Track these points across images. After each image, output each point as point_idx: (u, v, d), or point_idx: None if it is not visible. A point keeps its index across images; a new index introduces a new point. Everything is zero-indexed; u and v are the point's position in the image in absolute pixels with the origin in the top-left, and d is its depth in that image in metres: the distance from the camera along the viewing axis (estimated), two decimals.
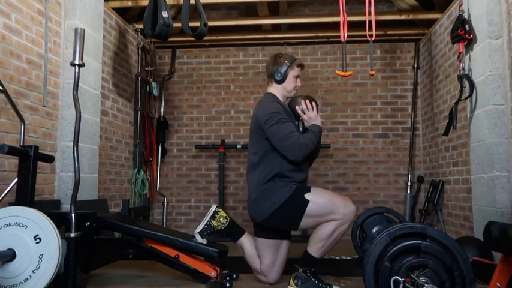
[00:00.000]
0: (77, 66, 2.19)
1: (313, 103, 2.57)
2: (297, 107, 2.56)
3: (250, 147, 2.60)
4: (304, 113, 2.55)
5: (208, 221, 2.62)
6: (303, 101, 2.55)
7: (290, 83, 2.59)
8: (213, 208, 2.65)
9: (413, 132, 4.75)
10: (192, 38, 3.58)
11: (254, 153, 2.54)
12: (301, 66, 2.64)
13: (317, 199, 2.39)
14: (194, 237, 2.61)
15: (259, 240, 2.59)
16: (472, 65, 3.22)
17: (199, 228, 2.61)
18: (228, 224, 2.63)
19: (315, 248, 2.40)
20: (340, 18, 3.42)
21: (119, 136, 4.13)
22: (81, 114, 2.22)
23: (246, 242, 2.66)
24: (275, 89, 2.62)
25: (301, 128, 2.58)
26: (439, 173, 4.18)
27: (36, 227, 1.99)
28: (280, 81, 2.58)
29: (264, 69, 2.82)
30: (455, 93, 3.55)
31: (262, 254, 2.58)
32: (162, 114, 4.91)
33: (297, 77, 2.61)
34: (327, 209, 2.37)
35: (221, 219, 2.62)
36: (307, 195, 2.40)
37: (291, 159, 2.43)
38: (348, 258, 3.37)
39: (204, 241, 2.60)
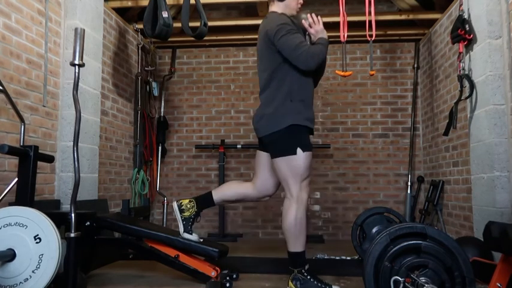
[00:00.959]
0: (77, 66, 2.20)
1: (319, 17, 2.54)
2: (303, 21, 2.52)
3: (259, 66, 2.57)
4: (311, 27, 2.52)
5: (181, 216, 2.64)
6: (309, 15, 2.52)
7: (292, 0, 2.57)
8: (175, 205, 2.67)
9: (413, 132, 4.75)
10: (192, 38, 3.59)
11: (264, 69, 2.50)
12: None
13: (300, 160, 2.38)
14: (183, 238, 2.62)
15: (260, 153, 2.61)
16: (472, 65, 3.22)
17: (181, 229, 2.64)
18: (196, 203, 2.66)
19: (291, 244, 2.40)
20: (340, 18, 3.42)
21: (119, 136, 4.13)
22: (81, 114, 2.22)
23: (219, 193, 2.69)
24: (278, 7, 2.58)
25: (308, 42, 2.54)
26: (439, 173, 4.18)
27: (36, 227, 1.99)
28: None
29: None
30: (455, 93, 3.55)
31: (259, 166, 2.60)
32: (162, 114, 4.91)
33: None
34: (292, 174, 2.38)
35: (188, 206, 2.65)
36: (299, 150, 2.38)
37: (303, 69, 2.40)
38: (348, 258, 3.37)
39: (194, 236, 2.62)
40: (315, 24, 2.51)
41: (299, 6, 2.62)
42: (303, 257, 2.41)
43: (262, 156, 2.61)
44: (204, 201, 2.71)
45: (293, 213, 2.37)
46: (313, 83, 2.58)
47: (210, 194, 2.71)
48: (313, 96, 2.59)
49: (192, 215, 2.64)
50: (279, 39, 2.38)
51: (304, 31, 2.55)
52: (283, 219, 2.43)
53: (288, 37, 2.37)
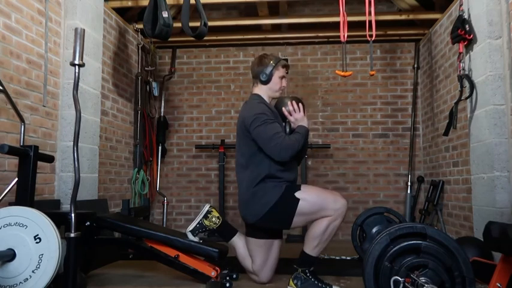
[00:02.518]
0: (77, 66, 2.19)
1: (300, 104, 2.56)
2: (283, 108, 2.55)
3: (237, 148, 2.61)
4: (291, 114, 2.54)
5: (201, 220, 2.63)
6: (289, 102, 2.54)
7: (275, 84, 2.59)
8: (206, 208, 2.66)
9: (413, 132, 4.75)
10: (192, 38, 3.58)
11: (241, 154, 2.54)
12: (286, 67, 2.63)
13: (307, 197, 2.40)
14: (186, 235, 2.62)
15: (250, 240, 2.60)
16: (472, 65, 3.22)
17: (191, 227, 2.63)
18: (220, 224, 2.65)
19: (310, 247, 2.40)
20: (340, 18, 3.42)
21: (119, 136, 4.13)
22: (81, 114, 2.22)
23: (239, 242, 2.67)
24: (260, 90, 2.62)
25: (288, 130, 2.57)
26: (439, 173, 4.18)
27: (36, 227, 1.99)
28: (266, 82, 2.58)
29: None
30: (455, 93, 3.55)
31: (253, 253, 2.59)
32: (162, 114, 4.90)
33: (282, 77, 2.61)
34: (318, 206, 2.37)
35: (213, 219, 2.63)
36: (297, 194, 2.40)
37: (277, 160, 2.43)
38: (348, 258, 3.37)
39: (196, 239, 2.61)
40: (295, 112, 2.53)
41: (282, 90, 2.64)
42: (313, 261, 2.43)
43: (252, 243, 2.59)
44: (227, 231, 2.70)
45: (327, 221, 2.36)
46: (295, 162, 2.62)
47: (235, 232, 2.71)
48: (297, 173, 2.64)
49: (209, 227, 2.63)
50: (254, 129, 2.42)
51: (284, 118, 2.57)
52: (315, 222, 2.41)
53: (264, 128, 2.40)
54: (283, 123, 2.58)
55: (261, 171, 2.46)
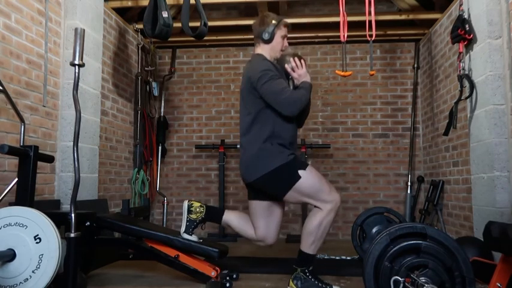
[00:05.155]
0: (77, 66, 2.20)
1: (302, 60, 2.57)
2: (286, 65, 2.55)
3: (242, 109, 2.58)
4: (294, 71, 2.54)
5: (187, 217, 2.64)
6: (292, 59, 2.54)
7: (278, 43, 2.59)
8: (186, 204, 2.67)
9: (413, 132, 4.75)
10: (192, 38, 3.58)
11: (247, 113, 2.51)
12: (287, 26, 2.63)
13: (309, 178, 2.40)
14: (183, 238, 2.62)
15: (253, 203, 2.59)
16: (472, 65, 3.22)
17: (182, 228, 2.64)
18: (206, 210, 2.65)
19: (307, 244, 2.40)
20: (340, 18, 3.42)
21: (119, 136, 4.13)
22: (81, 114, 2.22)
23: (230, 216, 2.68)
24: (263, 49, 2.60)
25: (291, 86, 2.57)
26: (439, 173, 4.18)
27: (36, 227, 1.99)
28: (268, 41, 2.57)
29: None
30: (455, 93, 3.55)
31: (257, 217, 2.58)
32: (162, 114, 4.91)
33: (284, 36, 2.62)
34: (313, 191, 2.39)
35: (197, 209, 2.64)
36: (301, 172, 2.40)
37: (286, 115, 2.43)
38: (348, 258, 3.37)
39: (194, 238, 2.62)
40: (298, 69, 2.54)
41: (284, 49, 2.64)
42: (311, 260, 2.43)
43: (254, 206, 2.59)
44: (214, 213, 2.71)
45: (320, 217, 2.37)
46: (297, 124, 2.63)
47: (222, 211, 2.72)
48: (297, 136, 2.64)
49: (197, 220, 2.63)
50: (261, 85, 2.41)
51: (287, 75, 2.57)
52: (307, 219, 2.43)
53: (270, 83, 2.40)
54: (287, 80, 2.58)
55: (267, 128, 2.45)
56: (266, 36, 2.56)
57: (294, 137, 2.57)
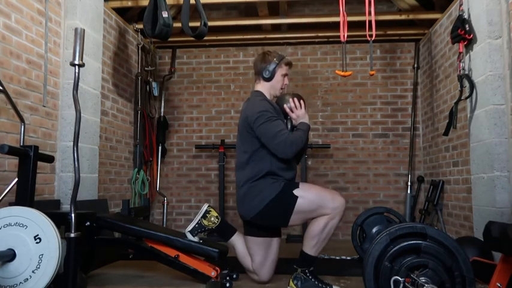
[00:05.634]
0: (77, 66, 2.20)
1: (301, 101, 2.58)
2: (285, 105, 2.56)
3: (239, 146, 2.60)
4: (293, 111, 2.55)
5: (200, 220, 2.63)
6: (291, 99, 2.55)
7: (278, 81, 2.61)
8: (205, 207, 2.66)
9: (413, 132, 4.75)
10: (192, 38, 3.58)
11: (243, 151, 2.54)
12: (289, 64, 2.65)
13: (306, 195, 2.40)
14: (185, 235, 2.62)
15: (249, 238, 2.59)
16: (472, 65, 3.22)
17: (190, 227, 2.63)
18: (219, 223, 2.64)
19: (309, 246, 2.40)
20: (340, 18, 3.42)
21: (119, 136, 4.13)
22: (81, 114, 2.22)
23: (238, 241, 2.67)
24: (263, 87, 2.62)
25: (289, 126, 2.59)
26: (439, 173, 4.18)
27: (36, 227, 1.99)
28: (268, 79, 2.59)
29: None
30: (455, 93, 3.55)
31: (252, 252, 2.58)
32: (162, 114, 4.91)
33: (285, 75, 2.63)
34: (316, 204, 2.38)
35: (212, 218, 2.63)
36: (296, 191, 2.41)
37: (281, 157, 2.43)
38: (348, 258, 3.37)
39: (196, 239, 2.61)
40: (297, 109, 2.54)
41: (284, 87, 2.65)
42: (312, 261, 2.43)
43: (251, 242, 2.59)
44: (225, 230, 2.70)
45: (326, 221, 2.37)
46: (295, 161, 2.63)
47: (234, 231, 2.71)
48: (296, 172, 2.64)
49: (207, 227, 2.63)
50: (258, 126, 2.42)
51: (285, 115, 2.58)
52: (312, 221, 2.42)
53: (268, 125, 2.41)
54: (285, 120, 2.59)
55: (263, 168, 2.46)
56: (267, 74, 2.57)
57: (292, 173, 2.57)
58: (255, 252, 2.57)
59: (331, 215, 2.37)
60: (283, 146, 2.38)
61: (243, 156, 2.54)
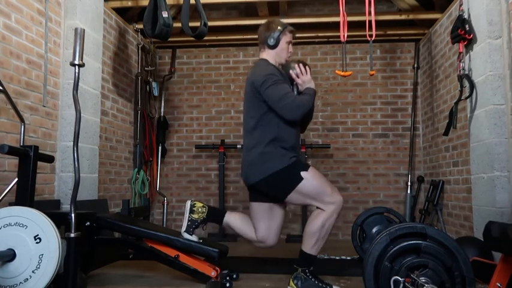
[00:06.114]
0: (77, 66, 2.20)
1: (307, 67, 2.58)
2: (290, 71, 2.57)
3: (246, 111, 2.61)
4: (298, 77, 2.56)
5: (189, 216, 2.64)
6: (296, 65, 2.56)
7: (283, 49, 2.61)
8: (188, 203, 2.68)
9: (413, 132, 4.75)
10: (192, 38, 3.59)
11: (251, 116, 2.54)
12: (292, 32, 2.66)
13: (311, 180, 2.41)
14: (183, 238, 2.62)
15: (254, 205, 2.60)
16: (472, 65, 3.22)
17: (183, 227, 2.64)
18: (208, 211, 2.66)
19: (309, 245, 2.41)
20: (340, 18, 3.42)
21: (119, 136, 4.13)
22: (81, 114, 2.22)
23: (231, 218, 2.68)
24: (268, 55, 2.62)
25: (295, 92, 2.58)
26: (439, 173, 4.18)
27: (36, 227, 1.99)
28: (273, 47, 2.59)
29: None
30: (455, 93, 3.55)
31: (257, 220, 2.58)
32: (162, 114, 4.91)
33: (289, 42, 2.64)
34: (315, 192, 2.40)
35: (200, 209, 2.65)
36: (303, 173, 2.41)
37: (288, 119, 2.44)
38: (348, 258, 3.37)
39: (194, 238, 2.62)
40: (303, 75, 2.55)
41: (289, 55, 2.66)
42: (312, 260, 2.43)
43: (255, 208, 2.59)
44: (216, 214, 2.72)
45: (323, 219, 2.38)
46: (300, 129, 2.64)
47: (224, 212, 2.73)
48: (300, 140, 2.65)
49: (199, 220, 2.64)
50: (265, 90, 2.42)
51: (291, 81, 2.58)
52: (310, 220, 2.44)
53: (274, 88, 2.41)
54: (291, 86, 2.59)
55: (270, 131, 2.46)
56: (271, 41, 2.58)
57: (297, 141, 2.58)
58: (260, 219, 2.57)
59: (328, 213, 2.38)
60: (290, 107, 2.39)
61: (250, 121, 2.54)
